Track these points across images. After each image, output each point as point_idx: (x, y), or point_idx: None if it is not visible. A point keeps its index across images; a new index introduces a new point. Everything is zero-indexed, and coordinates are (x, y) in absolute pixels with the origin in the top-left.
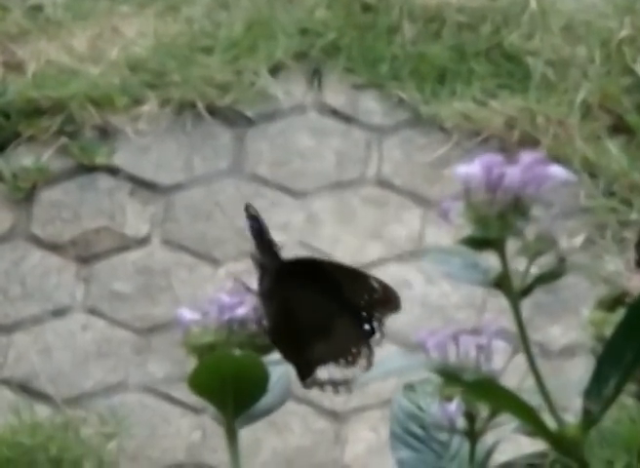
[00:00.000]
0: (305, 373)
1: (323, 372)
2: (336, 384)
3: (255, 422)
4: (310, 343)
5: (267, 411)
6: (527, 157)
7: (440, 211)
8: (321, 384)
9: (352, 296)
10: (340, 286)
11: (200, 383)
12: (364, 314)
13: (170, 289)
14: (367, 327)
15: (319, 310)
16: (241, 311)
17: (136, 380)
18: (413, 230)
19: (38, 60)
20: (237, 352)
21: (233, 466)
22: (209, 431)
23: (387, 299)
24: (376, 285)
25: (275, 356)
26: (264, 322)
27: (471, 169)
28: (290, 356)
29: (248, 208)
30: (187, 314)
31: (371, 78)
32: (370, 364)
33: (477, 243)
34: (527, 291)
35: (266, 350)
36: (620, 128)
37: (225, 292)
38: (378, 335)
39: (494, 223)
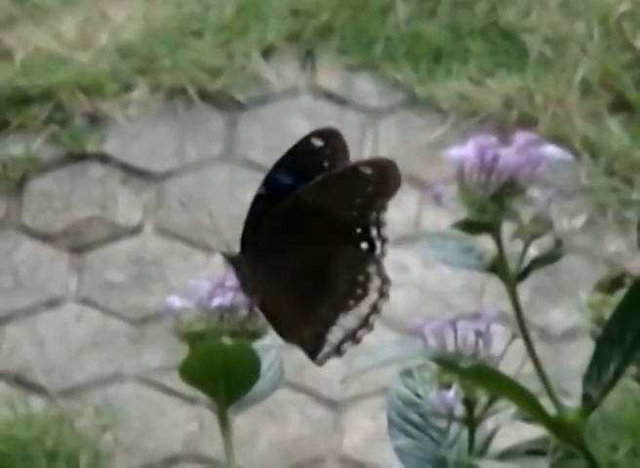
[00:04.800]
0: (315, 349)
1: (332, 337)
2: (353, 335)
3: (247, 409)
4: (312, 313)
5: (260, 398)
6: (521, 138)
7: (433, 195)
8: (337, 350)
9: (342, 213)
10: (326, 215)
11: (190, 373)
12: (358, 231)
13: (163, 277)
14: (364, 245)
15: (308, 273)
16: (232, 297)
17: (131, 371)
18: (410, 213)
19: (26, 48)
20: (227, 341)
21: (227, 453)
22: (206, 422)
23: (385, 181)
24: (368, 172)
25: (267, 341)
26: (256, 311)
27: (464, 151)
28: (293, 338)
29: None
30: (177, 302)
31: (365, 59)
32: (384, 279)
33: (472, 227)
34: (523, 275)
35: (258, 336)
36: (620, 105)
37: (215, 278)
38: (379, 247)
39: (488, 207)
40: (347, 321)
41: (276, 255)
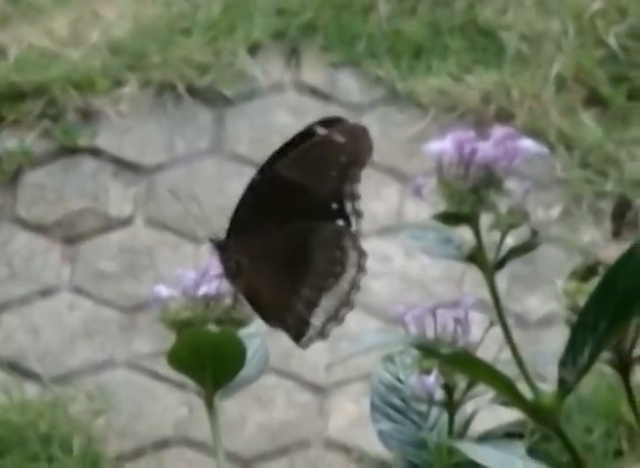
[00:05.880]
0: (299, 331)
1: (316, 320)
2: (336, 315)
3: (233, 394)
4: (294, 295)
5: (246, 384)
6: (498, 132)
7: (413, 187)
8: (321, 333)
9: (317, 188)
10: (302, 191)
11: (178, 359)
12: (334, 206)
13: (154, 267)
14: (340, 221)
15: (288, 254)
16: (217, 286)
17: (122, 358)
18: (391, 205)
19: (20, 45)
20: (214, 328)
21: (214, 437)
22: (195, 406)
23: (357, 149)
24: (340, 140)
25: (252, 329)
26: (241, 298)
27: (443, 145)
28: (278, 323)
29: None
30: (164, 291)
31: (348, 56)
32: (360, 252)
33: (451, 218)
34: (501, 264)
35: (243, 323)
36: (594, 100)
37: (200, 267)
38: (354, 222)
39: (467, 198)
40: (329, 301)
41: (258, 237)
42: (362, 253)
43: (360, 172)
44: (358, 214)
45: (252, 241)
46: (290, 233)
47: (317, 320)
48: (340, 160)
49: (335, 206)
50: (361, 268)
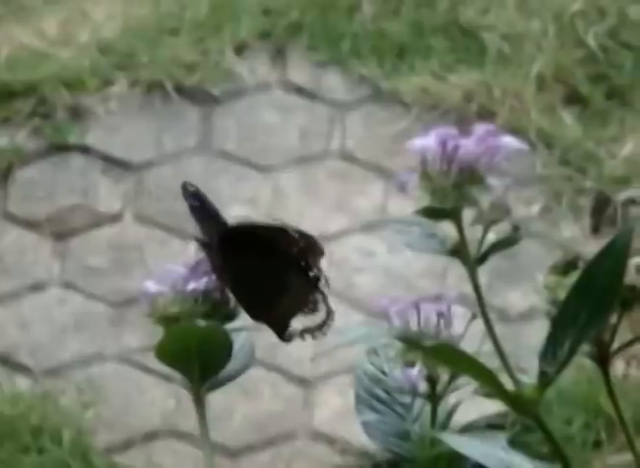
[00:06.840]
0: (281, 329)
1: (297, 324)
2: (311, 331)
3: (220, 388)
4: (275, 300)
5: (232, 377)
6: (480, 129)
7: (397, 183)
8: (300, 334)
9: (289, 250)
10: (278, 244)
11: (166, 353)
12: (303, 263)
13: (143, 263)
14: (312, 274)
15: (270, 270)
16: (204, 281)
17: (112, 351)
18: (376, 201)
19: (10, 45)
20: (201, 322)
21: (201, 430)
22: (182, 399)
23: (310, 247)
24: (295, 235)
25: (238, 323)
26: (228, 293)
27: (426, 141)
28: (261, 318)
29: (185, 186)
30: (153, 286)
31: (333, 55)
32: (328, 308)
33: (434, 213)
34: (483, 258)
35: (230, 318)
36: (573, 99)
37: (188, 263)
38: (323, 280)
39: (450, 194)
40: (304, 321)
41: (241, 250)
42: (330, 311)
43: (318, 261)
44: (325, 278)
45: (235, 250)
46: (269, 267)
47: (296, 326)
48: (300, 244)
49: (303, 263)
50: (330, 317)
